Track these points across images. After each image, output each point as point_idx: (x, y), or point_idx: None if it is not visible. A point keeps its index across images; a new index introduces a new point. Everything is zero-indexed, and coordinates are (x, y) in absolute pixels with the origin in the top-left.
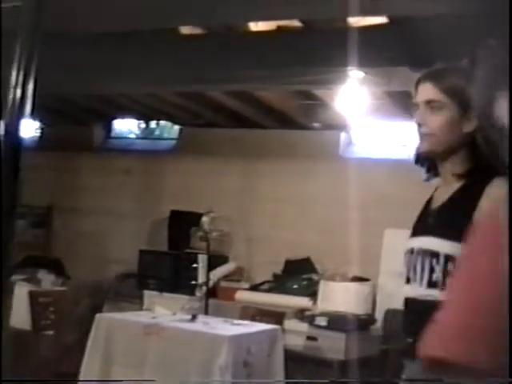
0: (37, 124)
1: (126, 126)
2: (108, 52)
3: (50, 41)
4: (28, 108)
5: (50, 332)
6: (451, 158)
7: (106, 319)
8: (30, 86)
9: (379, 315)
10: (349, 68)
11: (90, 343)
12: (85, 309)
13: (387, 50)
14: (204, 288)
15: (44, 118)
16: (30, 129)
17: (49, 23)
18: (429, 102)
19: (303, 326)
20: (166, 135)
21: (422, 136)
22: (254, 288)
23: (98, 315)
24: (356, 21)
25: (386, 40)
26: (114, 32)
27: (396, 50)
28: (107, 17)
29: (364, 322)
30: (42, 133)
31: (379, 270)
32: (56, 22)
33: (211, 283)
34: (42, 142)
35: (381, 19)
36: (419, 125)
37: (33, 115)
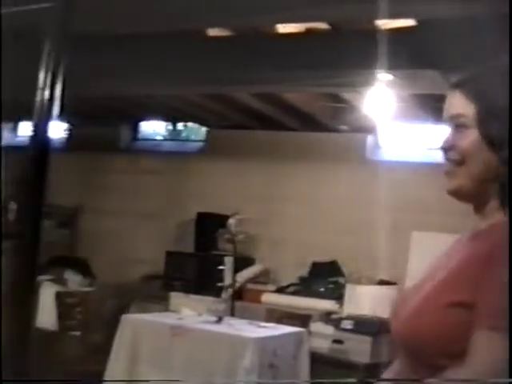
0: (64, 125)
1: (153, 128)
2: (136, 53)
3: (77, 42)
4: (56, 109)
5: (77, 333)
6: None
7: (132, 320)
8: (58, 88)
9: None
10: (376, 70)
11: (115, 344)
12: (111, 309)
13: (415, 53)
14: (230, 290)
15: (71, 119)
16: (57, 130)
17: (76, 25)
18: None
19: (329, 329)
20: (192, 137)
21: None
22: (280, 290)
23: (124, 316)
24: (384, 23)
25: (413, 43)
26: (142, 33)
27: (423, 53)
28: (134, 18)
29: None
30: (69, 134)
31: (405, 273)
32: (82, 23)
33: (237, 285)
34: (70, 143)
35: (409, 22)
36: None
37: (61, 116)
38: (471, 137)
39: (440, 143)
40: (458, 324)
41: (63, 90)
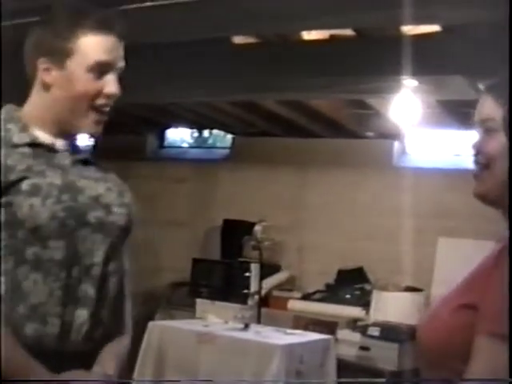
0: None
1: (179, 135)
2: (161, 61)
3: None
4: None
5: None
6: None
7: (159, 327)
8: None
9: None
10: (402, 77)
11: (142, 351)
12: (137, 316)
13: (440, 59)
14: (256, 297)
15: None
16: (83, 138)
17: None
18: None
19: (356, 336)
20: (218, 144)
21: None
22: (307, 297)
23: (150, 323)
24: (409, 29)
25: (438, 48)
26: (167, 42)
27: (449, 59)
28: (159, 26)
29: None
30: (95, 142)
31: (432, 279)
32: None
33: (263, 292)
34: (96, 151)
35: (434, 27)
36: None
37: None
38: (498, 141)
39: (470, 146)
40: (468, 326)
41: None
